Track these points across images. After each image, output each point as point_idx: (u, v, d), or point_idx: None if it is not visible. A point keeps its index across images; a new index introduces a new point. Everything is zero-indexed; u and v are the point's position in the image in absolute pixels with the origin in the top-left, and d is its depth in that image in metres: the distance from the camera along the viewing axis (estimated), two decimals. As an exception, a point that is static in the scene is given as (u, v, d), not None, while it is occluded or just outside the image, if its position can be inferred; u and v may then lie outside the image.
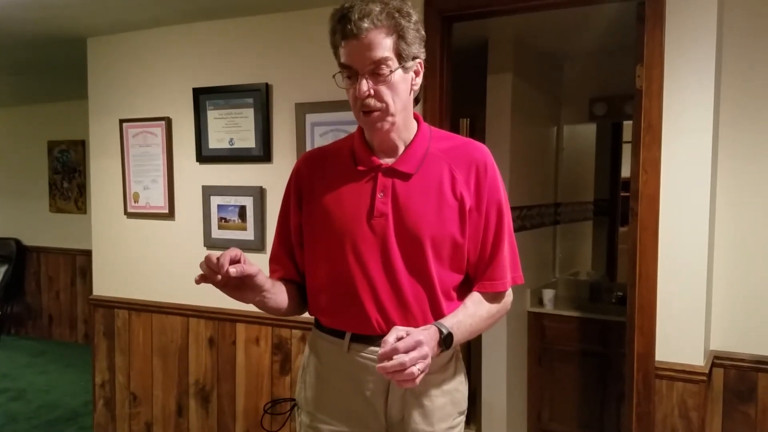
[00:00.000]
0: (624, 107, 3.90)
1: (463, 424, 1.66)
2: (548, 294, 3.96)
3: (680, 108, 2.23)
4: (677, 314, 2.26)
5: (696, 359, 2.25)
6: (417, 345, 1.32)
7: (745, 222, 2.33)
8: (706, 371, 2.25)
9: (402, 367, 1.28)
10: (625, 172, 4.20)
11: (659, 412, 2.29)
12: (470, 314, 1.53)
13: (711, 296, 2.34)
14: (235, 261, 1.36)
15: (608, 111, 4.19)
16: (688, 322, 2.25)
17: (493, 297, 1.59)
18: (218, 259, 1.34)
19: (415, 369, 1.30)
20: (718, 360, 2.35)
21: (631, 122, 2.45)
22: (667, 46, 2.23)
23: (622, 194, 4.33)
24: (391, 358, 1.29)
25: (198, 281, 1.36)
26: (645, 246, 2.29)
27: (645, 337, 2.30)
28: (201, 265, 1.36)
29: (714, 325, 2.37)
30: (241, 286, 1.43)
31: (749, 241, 2.33)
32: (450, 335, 1.44)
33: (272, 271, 1.68)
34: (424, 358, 1.32)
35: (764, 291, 2.31)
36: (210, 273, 1.36)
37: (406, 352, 1.30)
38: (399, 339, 1.32)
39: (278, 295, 1.56)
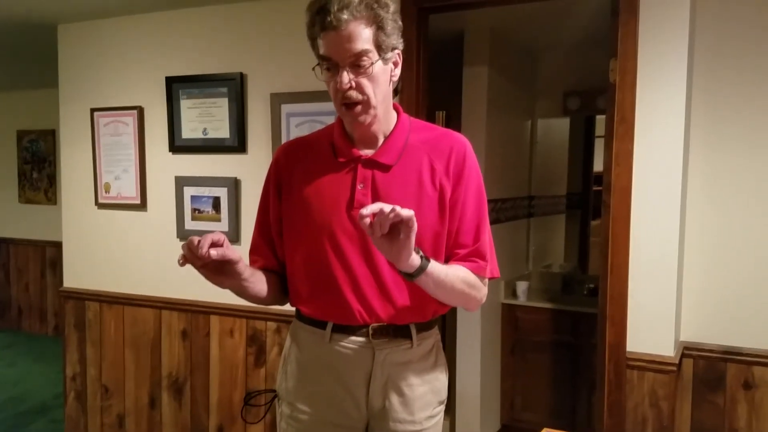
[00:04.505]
0: (597, 101, 3.94)
1: (442, 414, 1.68)
2: (522, 286, 4.00)
3: (653, 101, 2.26)
4: (648, 305, 2.29)
5: (666, 350, 2.28)
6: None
7: (716, 214, 2.37)
8: (676, 361, 2.28)
9: (383, 211, 1.24)
10: (598, 165, 4.23)
11: (630, 402, 2.33)
12: (446, 266, 1.50)
13: (681, 287, 2.38)
14: (217, 244, 1.34)
15: (581, 105, 4.23)
16: (658, 313, 2.29)
17: None
18: (199, 241, 1.32)
19: (397, 213, 1.24)
20: (687, 350, 2.39)
21: (603, 117, 2.47)
22: (640, 39, 2.25)
23: (594, 188, 4.38)
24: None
25: (181, 263, 1.35)
26: (617, 238, 2.32)
27: (616, 327, 2.33)
28: (183, 247, 1.35)
29: (684, 316, 2.41)
30: (221, 270, 1.41)
31: (720, 234, 2.37)
32: (426, 258, 1.39)
33: (252, 262, 1.67)
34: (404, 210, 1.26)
35: (733, 282, 2.36)
36: (191, 256, 1.34)
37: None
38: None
39: (257, 283, 1.55)
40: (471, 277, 1.54)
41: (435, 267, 1.42)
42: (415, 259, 1.36)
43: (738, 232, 2.34)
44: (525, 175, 4.38)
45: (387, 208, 1.24)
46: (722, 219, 2.36)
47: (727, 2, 2.32)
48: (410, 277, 1.40)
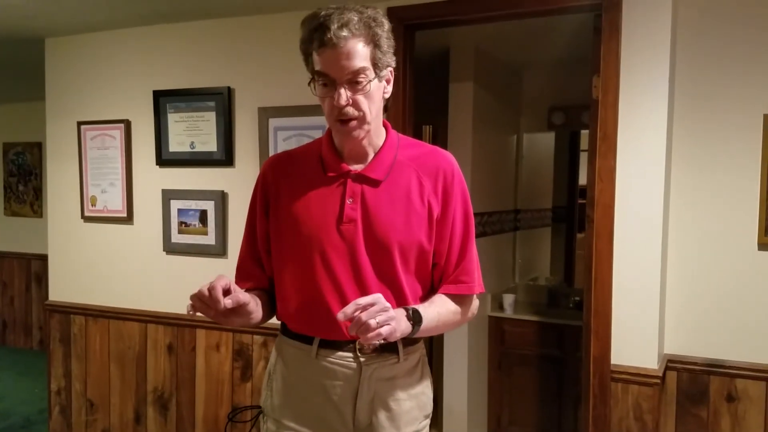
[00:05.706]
0: (581, 117, 3.98)
1: (428, 428, 1.68)
2: (508, 299, 4.01)
3: (635, 118, 2.29)
4: (632, 319, 2.32)
5: (650, 363, 2.30)
6: (375, 300, 1.33)
7: (697, 229, 2.40)
8: (660, 374, 2.30)
9: (360, 321, 1.30)
10: (583, 180, 4.29)
11: (615, 415, 2.34)
12: (435, 303, 1.56)
13: (665, 301, 2.40)
14: (225, 290, 1.35)
15: (566, 120, 4.27)
16: (642, 326, 2.31)
17: (459, 300, 1.61)
18: (210, 292, 1.33)
19: (372, 321, 1.30)
20: (671, 363, 2.42)
21: (588, 131, 2.50)
22: (622, 57, 2.29)
23: (579, 201, 4.41)
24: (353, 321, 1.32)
25: (191, 313, 1.36)
26: (600, 252, 2.34)
27: (601, 341, 2.35)
28: (192, 298, 1.35)
29: (668, 329, 2.44)
30: (230, 312, 1.41)
31: (702, 248, 2.40)
32: (416, 311, 1.46)
33: (239, 278, 1.67)
34: (384, 310, 1.33)
35: (716, 296, 2.39)
36: (203, 307, 1.35)
37: (365, 309, 1.32)
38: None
39: (259, 312, 1.56)
40: (459, 307, 1.60)
41: (427, 319, 1.48)
42: (407, 329, 1.43)
43: (719, 246, 2.37)
44: (511, 189, 4.41)
45: (372, 322, 1.30)
46: (704, 233, 2.39)
47: (708, 19, 2.36)
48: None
